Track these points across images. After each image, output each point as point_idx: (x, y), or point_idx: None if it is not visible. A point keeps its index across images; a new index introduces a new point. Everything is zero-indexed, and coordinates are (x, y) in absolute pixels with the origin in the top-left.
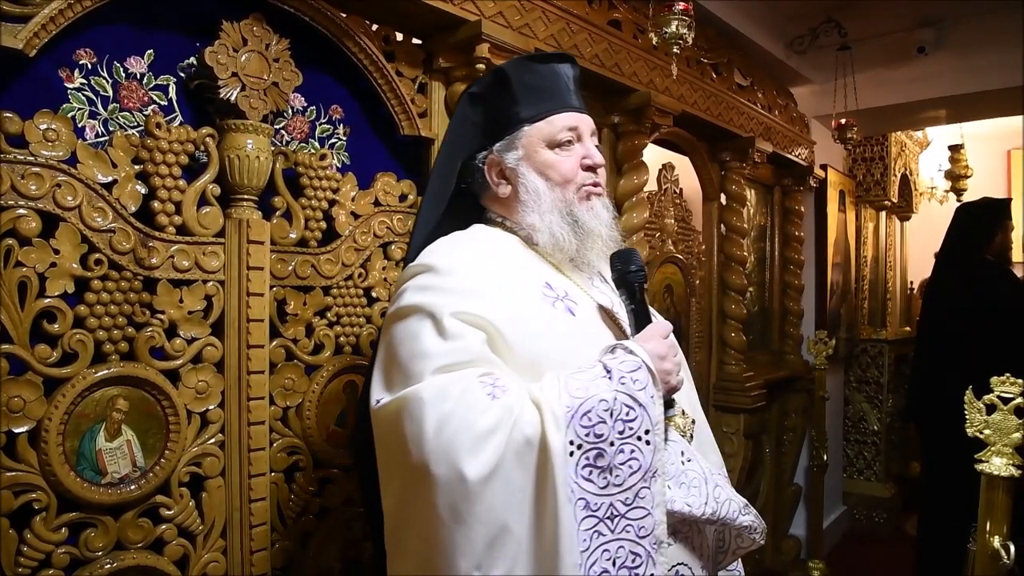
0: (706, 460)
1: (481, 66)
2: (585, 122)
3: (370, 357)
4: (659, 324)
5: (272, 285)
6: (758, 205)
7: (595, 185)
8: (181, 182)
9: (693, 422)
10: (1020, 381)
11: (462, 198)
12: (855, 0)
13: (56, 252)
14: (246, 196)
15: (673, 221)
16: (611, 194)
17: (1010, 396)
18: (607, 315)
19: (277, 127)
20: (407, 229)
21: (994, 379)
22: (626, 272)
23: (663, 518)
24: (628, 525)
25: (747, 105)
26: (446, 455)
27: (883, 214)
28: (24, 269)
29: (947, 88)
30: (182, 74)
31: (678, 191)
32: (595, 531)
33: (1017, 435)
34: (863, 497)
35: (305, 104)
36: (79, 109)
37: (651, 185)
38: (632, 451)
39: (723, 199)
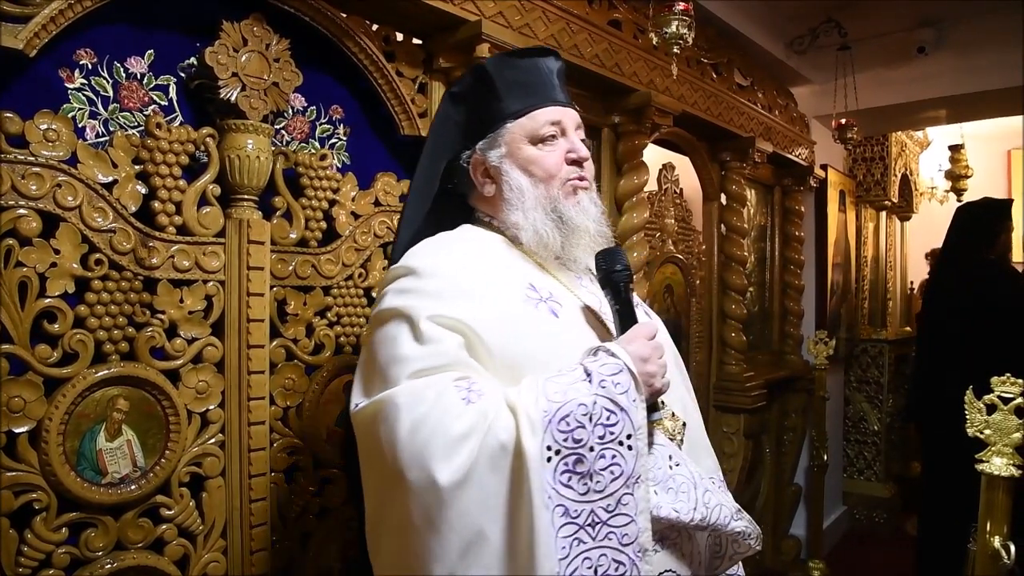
0: (698, 464)
1: None
2: (569, 116)
3: None
4: (644, 325)
5: (272, 285)
6: (758, 205)
7: (581, 179)
8: (181, 182)
9: (684, 425)
10: (1020, 381)
11: (451, 198)
12: (855, 0)
13: (56, 252)
14: (246, 196)
15: (673, 221)
16: (611, 194)
17: (1010, 396)
18: (593, 315)
19: (277, 127)
20: None
21: (994, 379)
22: (611, 271)
23: (647, 525)
24: (611, 532)
25: (747, 105)
26: (419, 460)
27: (883, 214)
28: (24, 269)
29: (947, 88)
30: (182, 74)
31: (678, 191)
32: (575, 538)
33: (1017, 435)
34: (863, 497)
35: (305, 104)
36: (79, 109)
37: (651, 185)
38: (613, 456)
39: (723, 199)
